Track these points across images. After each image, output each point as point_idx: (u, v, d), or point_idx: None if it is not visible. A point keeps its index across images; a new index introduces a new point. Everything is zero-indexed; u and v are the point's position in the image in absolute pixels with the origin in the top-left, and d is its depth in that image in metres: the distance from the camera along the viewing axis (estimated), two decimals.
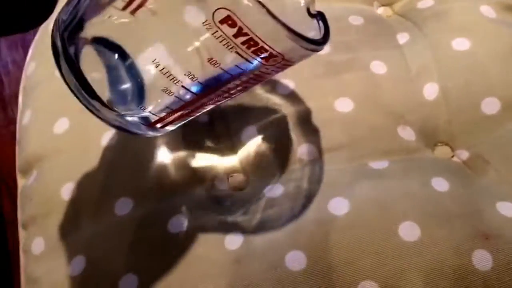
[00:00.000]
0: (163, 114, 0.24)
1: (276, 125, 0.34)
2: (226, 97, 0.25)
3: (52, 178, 0.33)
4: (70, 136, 0.34)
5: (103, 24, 0.23)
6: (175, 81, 0.22)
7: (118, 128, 0.26)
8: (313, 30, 0.25)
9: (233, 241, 0.29)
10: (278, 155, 0.33)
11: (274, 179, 0.32)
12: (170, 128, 0.27)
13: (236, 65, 0.22)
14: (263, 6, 0.19)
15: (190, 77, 0.22)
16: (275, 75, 0.25)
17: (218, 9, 0.19)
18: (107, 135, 0.34)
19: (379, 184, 0.30)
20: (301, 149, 0.33)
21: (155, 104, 0.24)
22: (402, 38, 0.39)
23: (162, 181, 0.32)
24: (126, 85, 0.24)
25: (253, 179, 0.33)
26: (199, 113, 0.26)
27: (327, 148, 0.33)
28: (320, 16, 0.26)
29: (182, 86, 0.23)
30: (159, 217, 0.30)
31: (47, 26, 0.42)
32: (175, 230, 0.30)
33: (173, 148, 0.33)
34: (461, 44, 0.37)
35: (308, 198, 0.30)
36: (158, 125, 0.26)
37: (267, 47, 0.21)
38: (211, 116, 0.35)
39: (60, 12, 0.25)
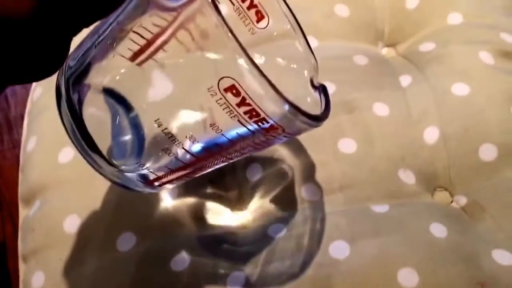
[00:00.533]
0: (161, 173, 0.25)
1: (279, 165, 0.35)
2: (225, 161, 0.25)
3: (55, 209, 0.33)
4: (74, 166, 0.34)
5: (109, 73, 0.23)
6: (176, 142, 0.23)
7: (115, 183, 0.25)
8: (313, 102, 0.26)
9: (236, 282, 0.30)
10: (281, 195, 0.34)
11: (276, 219, 0.33)
12: (169, 186, 0.27)
13: (237, 133, 0.22)
14: (267, 79, 0.20)
15: (191, 139, 0.23)
16: (275, 145, 0.25)
17: (224, 77, 0.20)
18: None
19: (379, 228, 0.31)
20: (303, 191, 0.34)
21: (154, 162, 0.24)
22: (405, 80, 0.40)
23: (165, 218, 0.32)
24: (127, 138, 0.24)
25: (257, 217, 0.34)
26: (198, 175, 0.26)
27: (329, 190, 0.33)
28: (322, 89, 0.27)
29: (183, 148, 0.23)
30: (162, 254, 0.31)
31: None
32: (178, 268, 0.30)
33: (178, 185, 0.33)
34: (460, 89, 0.38)
35: (310, 241, 0.31)
36: (156, 183, 0.26)
37: (268, 119, 0.21)
38: None
39: (68, 57, 0.25)
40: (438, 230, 0.31)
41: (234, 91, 0.20)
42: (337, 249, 0.30)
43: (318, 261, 0.30)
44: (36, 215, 0.34)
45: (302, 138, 0.36)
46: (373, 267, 0.29)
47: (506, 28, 0.43)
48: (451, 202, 0.35)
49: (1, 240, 0.65)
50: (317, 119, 0.23)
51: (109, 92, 0.23)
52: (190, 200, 0.33)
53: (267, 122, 0.21)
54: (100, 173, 0.25)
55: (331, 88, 0.38)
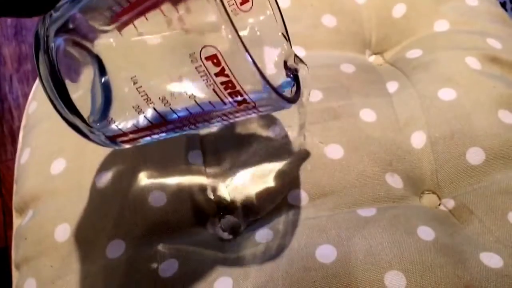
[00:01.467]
0: (127, 130, 0.25)
1: (267, 170, 0.35)
2: (192, 128, 0.26)
3: (47, 218, 0.34)
4: (66, 177, 0.35)
5: (89, 30, 0.23)
6: (149, 102, 0.23)
7: (76, 130, 0.26)
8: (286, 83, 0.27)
9: (223, 287, 0.30)
10: (269, 199, 0.34)
11: (264, 223, 0.33)
12: (128, 146, 0.27)
13: (210, 102, 0.22)
14: (249, 53, 0.20)
15: (163, 102, 0.23)
16: (243, 118, 0.26)
17: (207, 46, 0.20)
18: (102, 176, 0.34)
19: (366, 232, 0.31)
20: (290, 195, 0.34)
21: (123, 118, 0.24)
22: (392, 86, 0.41)
23: (154, 225, 0.32)
24: (98, 93, 0.24)
25: (244, 222, 0.34)
26: (161, 138, 0.26)
27: (316, 195, 0.34)
28: (295, 73, 0.27)
29: (154, 108, 0.23)
30: (150, 260, 0.31)
31: None
32: (166, 274, 0.30)
33: (166, 192, 0.34)
34: (447, 94, 0.38)
35: (297, 245, 0.31)
36: (119, 140, 0.26)
37: (242, 92, 0.22)
38: (204, 159, 0.36)
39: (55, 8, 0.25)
40: (426, 233, 0.31)
41: (214, 61, 0.20)
42: (324, 253, 0.30)
43: (305, 265, 0.30)
44: (28, 224, 0.34)
45: (289, 143, 0.36)
46: (360, 271, 0.29)
47: (492, 34, 0.43)
48: (439, 205, 0.35)
49: (3, 245, 0.65)
50: (289, 100, 0.24)
51: (86, 49, 0.24)
52: (178, 207, 0.33)
53: (241, 96, 0.22)
54: (64, 119, 0.25)
55: (317, 96, 0.39)
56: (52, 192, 0.35)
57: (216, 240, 0.33)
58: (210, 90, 0.22)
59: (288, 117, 0.37)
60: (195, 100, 0.22)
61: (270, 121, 0.38)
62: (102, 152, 0.36)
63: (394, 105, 0.39)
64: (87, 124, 0.25)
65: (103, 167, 0.35)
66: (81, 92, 0.24)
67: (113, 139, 0.26)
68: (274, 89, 0.22)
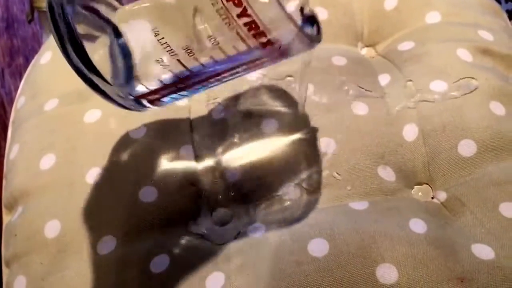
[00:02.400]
0: (153, 87, 0.24)
1: (259, 164, 0.34)
2: (217, 81, 0.25)
3: (36, 214, 0.33)
4: (55, 172, 0.34)
5: None
6: (172, 53, 0.22)
7: (103, 95, 0.25)
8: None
9: (215, 282, 0.29)
10: (261, 193, 0.34)
11: (256, 217, 0.33)
12: (154, 107, 0.26)
13: (234, 46, 0.22)
14: None
15: (187, 51, 0.22)
16: (267, 66, 0.25)
17: None
18: (93, 172, 0.34)
19: (358, 226, 0.31)
20: (283, 189, 0.33)
21: (148, 75, 0.24)
22: (384, 79, 0.40)
23: (145, 220, 0.32)
24: (116, 55, 0.23)
25: (236, 216, 0.34)
26: (188, 96, 0.26)
27: (309, 189, 0.33)
28: (313, 17, 0.27)
29: (178, 60, 0.22)
30: (142, 256, 0.30)
31: (36, 63, 0.42)
32: (157, 270, 0.30)
33: (157, 187, 0.33)
34: (438, 86, 0.38)
35: (289, 239, 0.31)
36: (146, 99, 0.25)
37: (266, 33, 0.21)
38: (195, 154, 0.35)
39: None
40: (418, 226, 0.31)
41: (236, 1, 0.20)
42: (316, 247, 0.30)
43: (297, 259, 0.29)
44: (17, 221, 0.34)
45: (281, 136, 0.36)
46: (352, 264, 0.29)
47: (484, 26, 0.43)
48: (432, 198, 0.35)
49: None
50: (312, 39, 0.23)
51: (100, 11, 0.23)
52: (169, 202, 0.33)
53: (265, 37, 0.21)
54: (93, 88, 0.24)
55: (309, 89, 0.39)
56: (41, 188, 0.34)
57: (207, 235, 0.33)
58: (233, 34, 0.21)
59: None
60: (219, 47, 0.22)
61: (260, 116, 0.37)
62: (92, 148, 0.35)
63: (386, 98, 0.38)
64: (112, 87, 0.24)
65: (94, 163, 0.34)
66: (100, 56, 0.23)
67: (139, 99, 0.25)
68: (298, 26, 0.21)
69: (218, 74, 0.24)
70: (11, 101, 0.82)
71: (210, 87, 0.26)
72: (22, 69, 0.85)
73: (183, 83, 0.24)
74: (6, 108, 0.81)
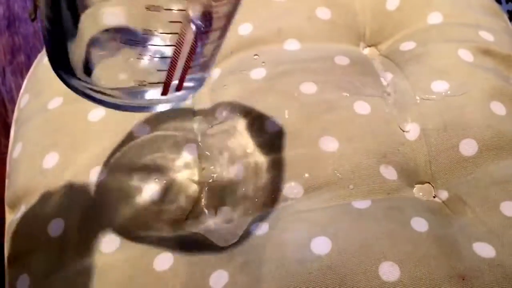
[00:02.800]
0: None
1: (261, 163, 0.35)
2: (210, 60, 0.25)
3: (40, 213, 0.33)
4: (58, 171, 0.34)
5: None
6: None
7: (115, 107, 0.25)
8: None
9: (219, 280, 0.30)
10: (264, 192, 0.34)
11: (259, 216, 0.33)
12: (187, 92, 0.26)
13: None
14: None
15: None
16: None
17: None
18: (96, 170, 0.34)
19: (361, 224, 0.31)
20: (285, 187, 0.34)
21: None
22: (386, 79, 0.40)
23: (149, 218, 0.32)
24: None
25: (239, 214, 0.34)
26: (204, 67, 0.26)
27: (311, 187, 0.33)
28: None
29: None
30: (145, 254, 0.31)
31: (40, 62, 0.43)
32: (161, 268, 0.30)
33: (161, 186, 0.33)
34: (440, 86, 0.38)
35: (292, 237, 0.31)
36: (172, 89, 0.25)
37: None
38: (198, 153, 0.36)
39: None
40: (420, 224, 0.31)
41: None
42: (319, 245, 0.30)
43: (300, 257, 0.30)
44: (21, 220, 0.34)
45: (284, 136, 0.36)
46: (354, 262, 0.29)
47: (485, 26, 0.43)
48: (433, 196, 0.35)
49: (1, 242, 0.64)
50: None
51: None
52: (173, 200, 0.33)
53: None
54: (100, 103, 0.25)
55: (312, 88, 0.39)
56: (44, 187, 0.34)
57: (211, 233, 0.33)
58: None
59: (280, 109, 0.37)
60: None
61: (264, 115, 0.37)
62: (96, 146, 0.35)
63: (388, 97, 0.39)
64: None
65: (97, 162, 0.34)
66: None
67: (166, 87, 0.25)
68: None
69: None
70: (12, 100, 0.82)
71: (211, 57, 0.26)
72: (23, 67, 0.85)
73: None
74: (7, 106, 0.81)
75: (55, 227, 0.32)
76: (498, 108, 0.37)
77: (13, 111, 0.81)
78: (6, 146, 0.76)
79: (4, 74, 0.84)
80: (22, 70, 0.84)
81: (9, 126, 0.80)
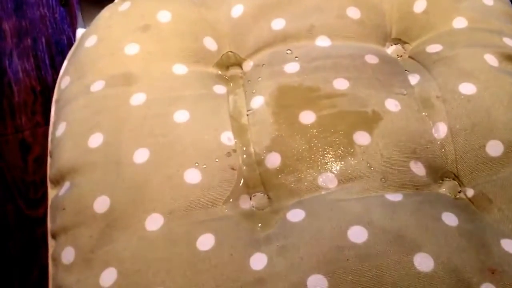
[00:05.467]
0: None
1: (298, 152, 0.34)
2: None
3: (86, 190, 0.33)
4: (104, 151, 0.34)
5: None
6: None
7: None
8: None
9: (258, 262, 0.30)
10: (300, 182, 0.34)
11: (296, 203, 0.33)
12: None
13: None
14: None
15: None
16: None
17: None
18: (140, 152, 0.34)
19: (394, 215, 0.31)
20: (321, 178, 0.33)
21: None
22: (413, 79, 0.40)
23: (190, 201, 0.32)
24: None
25: (275, 201, 0.34)
26: None
27: (347, 178, 0.33)
28: None
29: None
30: (188, 234, 0.30)
31: (80, 45, 0.42)
32: (203, 248, 0.30)
33: (200, 170, 0.33)
34: (467, 88, 0.38)
35: (329, 225, 0.31)
36: None
37: None
38: (235, 139, 0.35)
39: None
40: (450, 219, 0.31)
41: None
42: (356, 233, 0.30)
43: (338, 244, 0.30)
44: (66, 195, 0.33)
45: (318, 130, 0.36)
46: (390, 251, 0.29)
47: (508, 33, 0.43)
48: (459, 192, 0.35)
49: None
50: None
51: None
52: (211, 185, 0.33)
53: None
54: None
55: (345, 85, 0.38)
56: (90, 165, 0.34)
57: (249, 217, 0.32)
58: None
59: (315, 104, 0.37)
60: None
61: (295, 107, 0.37)
62: (138, 129, 0.35)
63: (416, 96, 0.39)
64: None
65: (140, 144, 0.34)
66: None
67: None
68: None
69: None
70: (18, 82, 0.81)
71: None
72: (29, 51, 0.84)
73: None
74: (13, 88, 0.80)
75: (101, 204, 0.32)
76: None
77: (19, 93, 0.80)
78: (12, 127, 0.75)
79: (11, 56, 0.83)
80: (28, 53, 0.83)
81: (15, 107, 0.79)
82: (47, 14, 0.88)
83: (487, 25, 0.44)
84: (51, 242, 0.33)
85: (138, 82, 0.37)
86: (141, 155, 0.33)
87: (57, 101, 0.40)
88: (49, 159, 0.37)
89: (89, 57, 0.40)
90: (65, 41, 0.85)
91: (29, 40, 0.85)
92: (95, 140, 0.34)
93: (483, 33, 0.43)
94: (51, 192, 0.36)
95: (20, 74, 0.82)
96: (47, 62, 0.84)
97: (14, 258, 0.63)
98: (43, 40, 0.85)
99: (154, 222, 0.31)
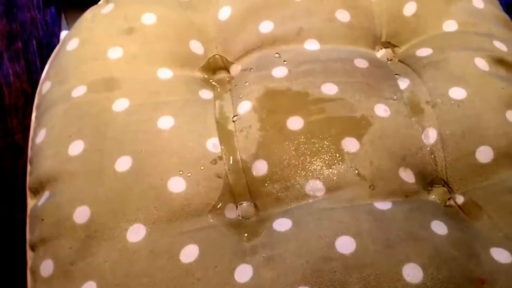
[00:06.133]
0: None
1: (284, 159, 0.33)
2: None
3: (65, 200, 0.32)
4: (84, 159, 0.33)
5: None
6: None
7: None
8: None
9: (243, 274, 0.28)
10: (287, 190, 0.32)
11: (282, 212, 0.32)
12: None
13: None
14: None
15: None
16: None
17: None
18: (122, 160, 0.32)
19: (383, 225, 0.30)
20: (309, 186, 0.32)
21: None
22: (403, 83, 0.39)
23: (174, 210, 0.31)
24: None
25: (261, 210, 0.33)
26: None
27: (335, 186, 0.32)
28: None
29: None
30: (171, 246, 0.29)
31: (62, 49, 0.41)
32: (186, 260, 0.29)
33: (185, 178, 0.32)
34: (457, 93, 0.37)
35: (316, 235, 0.30)
36: None
37: None
38: (221, 147, 0.34)
39: None
40: (439, 227, 0.31)
41: None
42: (343, 244, 0.29)
43: (324, 255, 0.29)
44: (45, 205, 0.32)
45: (306, 136, 0.35)
46: (379, 263, 0.28)
47: (498, 36, 0.42)
48: (449, 199, 0.34)
49: None
50: None
51: None
52: (196, 194, 0.32)
53: None
54: None
55: (333, 89, 0.37)
56: (70, 174, 0.32)
57: (235, 227, 0.31)
58: None
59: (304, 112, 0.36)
60: None
61: (283, 113, 0.36)
62: (121, 137, 0.33)
63: (406, 101, 0.38)
64: None
65: (122, 151, 0.33)
66: None
67: None
68: None
69: None
70: (9, 85, 0.80)
71: None
72: (20, 54, 0.82)
73: None
74: (4, 91, 0.79)
75: (81, 214, 0.30)
76: None
77: (10, 96, 0.78)
78: (2, 130, 0.74)
79: (2, 59, 0.82)
80: (19, 56, 0.82)
81: (5, 111, 0.77)
82: (38, 16, 0.87)
83: (478, 28, 0.43)
84: (29, 254, 0.32)
85: (121, 87, 0.36)
86: (123, 163, 0.32)
87: (37, 106, 0.38)
88: (28, 166, 0.36)
89: (71, 61, 0.38)
90: (56, 44, 0.84)
91: (19, 43, 0.83)
92: (76, 147, 0.33)
93: (474, 37, 0.42)
94: (30, 202, 0.34)
95: (11, 77, 0.81)
96: (38, 64, 0.83)
97: (3, 262, 0.62)
98: (34, 42, 0.84)
99: (136, 233, 0.30)
